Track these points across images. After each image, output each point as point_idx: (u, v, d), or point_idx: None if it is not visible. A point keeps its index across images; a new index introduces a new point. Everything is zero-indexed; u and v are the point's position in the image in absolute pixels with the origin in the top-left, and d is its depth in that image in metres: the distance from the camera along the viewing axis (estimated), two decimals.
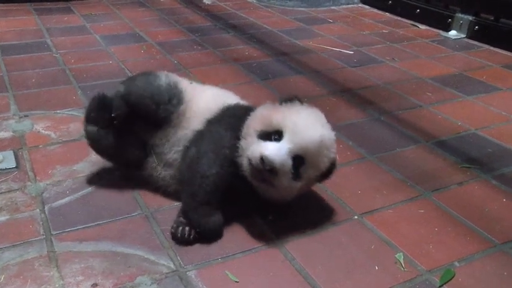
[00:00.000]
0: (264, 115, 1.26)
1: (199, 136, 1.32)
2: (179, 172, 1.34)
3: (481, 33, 2.99)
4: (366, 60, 2.62)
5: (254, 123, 1.26)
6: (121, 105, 1.34)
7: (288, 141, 1.18)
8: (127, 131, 1.39)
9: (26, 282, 1.10)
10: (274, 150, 1.16)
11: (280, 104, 1.30)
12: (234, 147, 1.25)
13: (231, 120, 1.32)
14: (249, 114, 1.30)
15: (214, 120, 1.35)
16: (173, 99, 1.37)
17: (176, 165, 1.36)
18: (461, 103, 2.14)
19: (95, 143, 1.39)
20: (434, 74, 2.45)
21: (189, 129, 1.36)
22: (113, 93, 1.38)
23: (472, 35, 3.03)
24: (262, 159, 1.15)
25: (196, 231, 1.23)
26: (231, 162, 1.25)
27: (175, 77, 1.46)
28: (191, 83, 1.50)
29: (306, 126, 1.20)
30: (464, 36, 3.07)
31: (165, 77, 1.42)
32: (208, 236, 1.24)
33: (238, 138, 1.26)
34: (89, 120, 1.37)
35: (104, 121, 1.35)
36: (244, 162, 1.21)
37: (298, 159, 1.19)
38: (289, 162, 1.17)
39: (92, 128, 1.36)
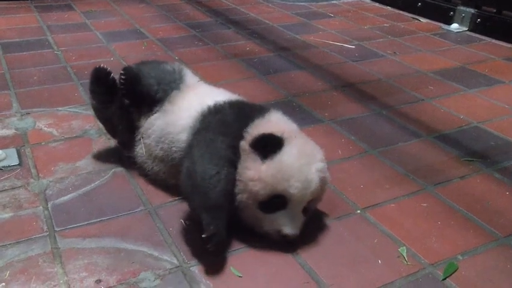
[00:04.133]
0: (252, 179, 1.15)
1: (189, 149, 1.24)
2: (181, 188, 1.24)
3: (483, 26, 2.97)
4: (367, 55, 2.61)
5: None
6: (128, 78, 1.41)
7: (295, 205, 1.17)
8: (121, 110, 1.44)
9: (31, 279, 1.10)
10: (293, 227, 1.17)
11: (255, 150, 1.16)
12: (230, 147, 1.19)
13: (221, 128, 1.24)
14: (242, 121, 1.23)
15: (201, 128, 1.26)
16: (172, 82, 1.42)
17: (167, 162, 1.35)
18: (463, 96, 2.14)
19: (96, 114, 1.54)
20: (436, 68, 2.44)
21: (172, 122, 1.34)
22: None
23: (474, 27, 3.02)
24: (284, 235, 1.17)
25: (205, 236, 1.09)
26: (230, 161, 1.18)
27: (184, 69, 1.51)
28: (198, 81, 1.52)
29: (303, 177, 1.15)
30: (466, 29, 3.06)
31: (175, 65, 1.50)
32: (214, 243, 1.10)
33: (231, 143, 1.20)
34: (90, 92, 1.49)
35: (100, 95, 1.46)
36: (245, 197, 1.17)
37: (306, 207, 1.21)
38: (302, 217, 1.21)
39: (92, 101, 1.50)
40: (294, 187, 1.14)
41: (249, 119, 1.24)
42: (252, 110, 1.31)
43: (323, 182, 1.22)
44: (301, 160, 1.16)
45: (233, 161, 1.18)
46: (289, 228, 1.16)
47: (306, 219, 1.22)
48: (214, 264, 1.16)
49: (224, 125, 1.24)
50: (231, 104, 1.32)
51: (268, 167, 1.14)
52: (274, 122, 1.25)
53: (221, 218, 1.11)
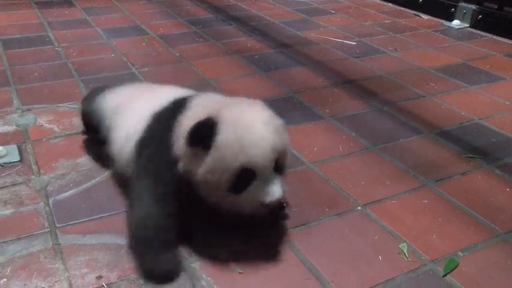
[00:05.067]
0: (210, 174, 1.06)
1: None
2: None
3: (485, 23, 2.97)
4: (368, 51, 2.60)
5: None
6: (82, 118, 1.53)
7: (263, 171, 1.06)
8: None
9: (32, 275, 1.10)
10: (273, 191, 1.06)
11: (194, 148, 1.07)
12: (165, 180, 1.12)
13: (149, 170, 1.15)
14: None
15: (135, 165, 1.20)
16: (101, 121, 1.40)
17: None
18: (465, 93, 2.13)
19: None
20: (437, 64, 2.43)
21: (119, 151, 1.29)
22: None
23: (475, 24, 3.01)
24: (267, 205, 1.07)
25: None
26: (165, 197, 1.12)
27: (106, 92, 1.46)
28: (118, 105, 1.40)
29: (253, 141, 1.04)
30: (467, 25, 3.05)
31: (99, 97, 1.45)
32: (161, 277, 1.09)
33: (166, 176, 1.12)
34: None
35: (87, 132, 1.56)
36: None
37: (277, 166, 1.10)
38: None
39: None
40: (250, 156, 1.03)
41: (173, 121, 1.14)
42: (176, 108, 1.18)
43: (278, 132, 1.09)
44: (244, 126, 1.05)
45: (171, 183, 1.12)
46: (270, 195, 1.06)
47: (283, 176, 1.13)
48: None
49: (153, 164, 1.15)
50: (154, 121, 1.21)
51: (216, 152, 1.04)
52: (199, 108, 1.14)
53: (160, 253, 1.09)
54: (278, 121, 1.12)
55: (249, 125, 1.05)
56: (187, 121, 1.10)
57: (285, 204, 1.23)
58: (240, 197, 1.08)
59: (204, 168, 1.06)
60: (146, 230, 1.10)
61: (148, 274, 1.09)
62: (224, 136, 1.04)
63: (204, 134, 1.05)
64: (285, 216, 1.29)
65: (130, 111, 1.32)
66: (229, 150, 1.03)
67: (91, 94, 1.55)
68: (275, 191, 1.07)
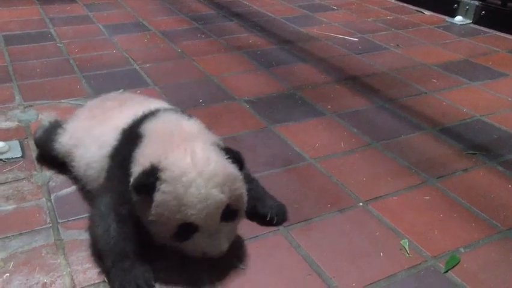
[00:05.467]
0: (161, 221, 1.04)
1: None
2: None
3: (488, 19, 2.95)
4: (370, 47, 2.60)
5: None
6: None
7: (207, 224, 1.04)
8: None
9: (34, 270, 1.11)
10: (215, 245, 1.06)
11: (139, 195, 1.05)
12: (121, 202, 1.11)
13: (108, 184, 1.17)
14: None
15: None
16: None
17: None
18: (467, 89, 2.13)
19: None
20: (439, 61, 2.43)
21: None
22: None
23: (478, 20, 3.00)
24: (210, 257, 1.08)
25: None
26: (121, 215, 1.11)
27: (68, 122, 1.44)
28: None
29: (195, 198, 1.01)
30: (470, 21, 3.04)
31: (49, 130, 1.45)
32: None
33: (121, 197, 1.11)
34: None
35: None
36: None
37: (228, 212, 1.07)
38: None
39: None
40: (190, 214, 1.01)
41: (136, 143, 1.14)
42: (138, 126, 1.19)
43: (227, 183, 1.05)
44: (184, 184, 1.01)
45: (128, 210, 1.10)
46: (211, 249, 1.06)
47: (238, 221, 1.12)
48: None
49: (112, 178, 1.16)
50: (122, 136, 1.22)
51: (156, 207, 1.03)
52: (153, 144, 1.11)
53: (128, 268, 1.06)
54: (228, 170, 1.07)
55: (189, 182, 1.01)
56: (138, 162, 1.08)
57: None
58: (184, 245, 1.08)
59: (148, 216, 1.05)
60: (111, 245, 1.08)
61: None
62: (162, 193, 1.02)
63: (146, 186, 1.03)
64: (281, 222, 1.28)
65: (89, 140, 1.31)
66: (167, 208, 1.02)
67: (44, 136, 1.48)
68: (219, 244, 1.06)
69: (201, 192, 1.01)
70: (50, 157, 1.43)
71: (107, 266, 1.08)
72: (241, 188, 1.10)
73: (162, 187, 1.02)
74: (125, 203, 1.10)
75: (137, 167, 1.07)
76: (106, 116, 1.35)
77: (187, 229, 1.04)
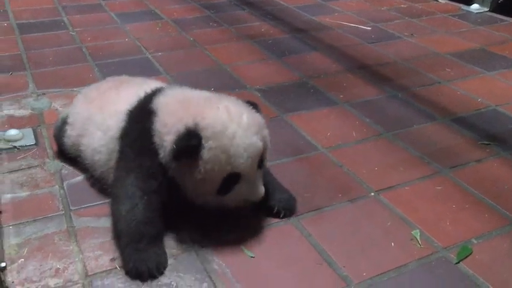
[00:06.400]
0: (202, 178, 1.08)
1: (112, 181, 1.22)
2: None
3: (506, 6, 2.89)
4: (383, 36, 2.57)
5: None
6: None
7: (248, 173, 1.11)
8: None
9: (47, 256, 1.12)
10: (257, 191, 1.14)
11: (181, 160, 1.08)
12: (149, 174, 1.13)
13: (129, 162, 1.17)
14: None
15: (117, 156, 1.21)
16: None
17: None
18: (482, 79, 2.09)
19: None
20: (454, 50, 2.39)
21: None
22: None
23: (496, 8, 2.94)
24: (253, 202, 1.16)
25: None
26: (149, 188, 1.13)
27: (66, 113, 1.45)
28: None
29: (241, 148, 1.07)
30: (487, 9, 2.98)
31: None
32: (145, 276, 1.07)
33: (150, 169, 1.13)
34: None
35: None
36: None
37: (259, 163, 1.15)
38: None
39: None
40: (238, 163, 1.08)
41: (150, 118, 1.15)
42: (147, 103, 1.20)
43: (259, 132, 1.12)
44: (227, 136, 1.06)
45: (157, 177, 1.13)
46: (254, 195, 1.14)
47: (264, 170, 1.19)
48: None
49: (132, 157, 1.17)
50: (130, 116, 1.22)
51: (204, 165, 1.07)
52: (174, 113, 1.13)
53: (143, 249, 1.08)
54: (257, 118, 1.14)
55: (232, 134, 1.07)
56: (165, 132, 1.11)
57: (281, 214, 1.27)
58: (226, 198, 1.13)
59: (192, 177, 1.09)
60: (131, 227, 1.09)
61: (132, 272, 1.07)
62: (210, 150, 1.06)
63: (192, 147, 1.06)
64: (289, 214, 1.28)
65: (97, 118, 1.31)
66: (217, 162, 1.07)
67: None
68: (259, 190, 1.15)
69: (245, 141, 1.08)
70: (66, 153, 1.43)
71: (122, 245, 1.10)
72: (268, 134, 1.18)
73: (208, 144, 1.06)
74: (152, 178, 1.13)
75: (169, 136, 1.10)
76: (103, 100, 1.35)
77: (232, 180, 1.10)
